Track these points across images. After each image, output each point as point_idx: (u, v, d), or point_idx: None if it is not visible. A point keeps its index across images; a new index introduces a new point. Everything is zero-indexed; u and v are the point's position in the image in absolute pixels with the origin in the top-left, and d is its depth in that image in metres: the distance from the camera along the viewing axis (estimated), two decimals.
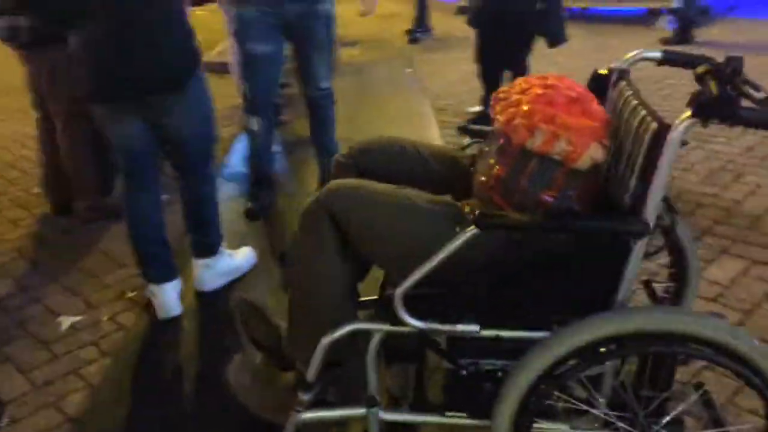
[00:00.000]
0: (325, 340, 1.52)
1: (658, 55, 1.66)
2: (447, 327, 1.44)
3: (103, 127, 2.32)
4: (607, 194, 1.47)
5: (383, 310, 1.50)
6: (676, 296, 1.77)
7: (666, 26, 6.91)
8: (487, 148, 1.54)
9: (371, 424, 1.56)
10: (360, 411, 1.57)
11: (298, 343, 1.62)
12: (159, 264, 2.49)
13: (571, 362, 1.35)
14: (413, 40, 7.28)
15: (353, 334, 1.53)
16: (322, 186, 3.42)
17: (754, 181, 3.37)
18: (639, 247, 1.34)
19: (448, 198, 1.55)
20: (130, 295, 2.71)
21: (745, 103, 1.23)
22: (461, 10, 8.71)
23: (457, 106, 4.81)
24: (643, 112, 1.40)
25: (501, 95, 1.53)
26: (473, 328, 1.43)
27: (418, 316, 1.44)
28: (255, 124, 3.08)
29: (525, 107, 1.43)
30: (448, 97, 5.08)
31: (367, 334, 1.54)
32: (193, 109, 2.31)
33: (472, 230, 1.34)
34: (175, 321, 2.51)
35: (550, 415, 1.44)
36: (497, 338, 1.43)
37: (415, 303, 1.44)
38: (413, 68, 6.10)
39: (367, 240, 1.50)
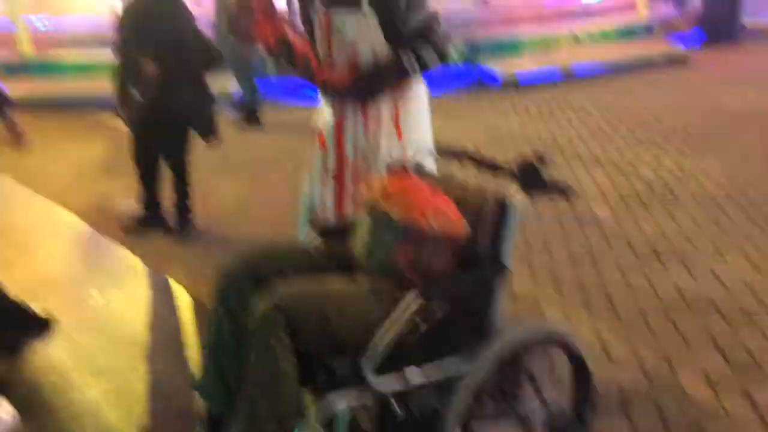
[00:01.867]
0: None
1: (432, 150, 2.35)
2: (401, 380, 1.84)
3: None
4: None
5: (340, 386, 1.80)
6: None
7: (230, 115, 7.69)
8: (370, 238, 1.97)
9: None
10: None
11: None
12: None
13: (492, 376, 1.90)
14: None
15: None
16: None
17: None
18: (503, 283, 1.99)
19: (362, 279, 1.94)
20: None
21: None
22: None
23: (99, 207, 4.71)
24: (475, 193, 2.06)
25: (375, 195, 1.99)
26: (416, 370, 1.86)
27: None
28: None
29: (412, 200, 1.94)
30: (77, 201, 4.88)
31: None
32: None
33: (416, 300, 1.79)
34: None
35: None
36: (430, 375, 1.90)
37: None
38: None
39: (321, 330, 1.78)
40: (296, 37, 2.66)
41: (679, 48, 9.48)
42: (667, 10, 10.97)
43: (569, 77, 8.70)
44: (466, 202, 2.06)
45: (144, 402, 2.55)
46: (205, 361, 2.02)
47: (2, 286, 2.96)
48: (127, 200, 4.65)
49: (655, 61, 9.19)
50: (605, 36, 9.67)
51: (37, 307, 3.14)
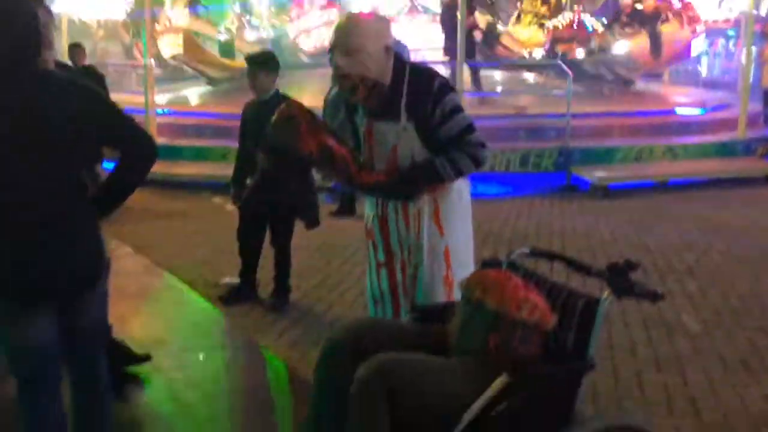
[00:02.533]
0: None
1: (527, 251, 2.54)
2: None
3: (8, 331, 2.22)
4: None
5: None
6: None
7: (325, 200, 8.18)
8: (464, 323, 2.16)
9: None
10: None
11: None
12: None
13: None
14: None
15: None
16: None
17: None
18: (586, 376, 2.12)
19: (454, 359, 2.12)
20: None
21: None
22: None
23: (205, 279, 5.11)
24: (566, 291, 2.23)
25: (475, 283, 2.19)
26: None
27: None
28: None
29: (505, 291, 2.12)
30: (185, 271, 5.31)
31: None
32: (100, 306, 2.38)
33: (505, 381, 1.95)
34: None
35: None
36: None
37: None
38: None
39: (415, 401, 1.96)
40: (336, 144, 2.71)
41: None
42: None
43: (663, 187, 8.74)
44: (556, 298, 2.23)
45: None
46: (307, 420, 2.21)
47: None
48: (230, 276, 5.03)
49: (755, 178, 9.10)
50: (703, 151, 9.69)
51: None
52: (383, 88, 2.68)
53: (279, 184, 4.29)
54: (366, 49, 2.60)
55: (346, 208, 7.55)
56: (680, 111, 11.68)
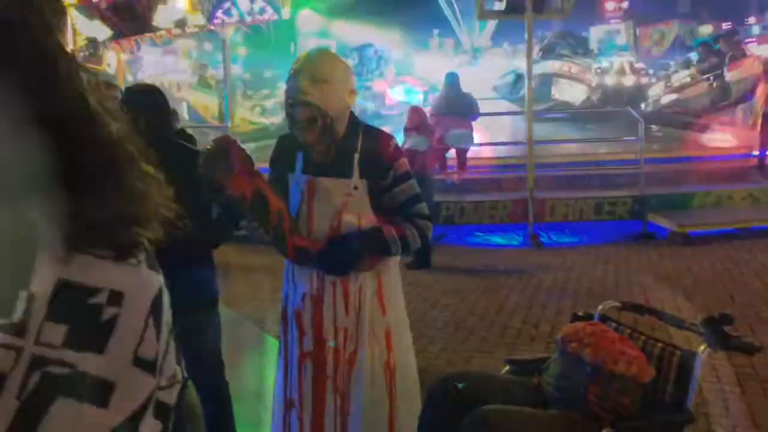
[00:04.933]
0: None
1: (618, 304, 2.63)
2: None
3: None
4: None
5: None
6: None
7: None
8: (561, 376, 2.26)
9: None
10: None
11: None
12: None
13: None
14: None
15: None
16: None
17: None
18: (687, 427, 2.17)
19: (554, 412, 2.21)
20: None
21: None
22: None
23: None
24: (660, 344, 2.31)
25: (571, 336, 2.29)
26: None
27: None
28: None
29: (601, 344, 2.21)
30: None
31: None
32: None
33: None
34: None
35: None
36: None
37: None
38: None
39: None
40: (271, 194, 2.40)
41: None
42: None
43: (745, 233, 8.54)
44: (651, 350, 2.30)
45: None
46: None
47: None
48: None
49: None
50: None
51: None
52: (336, 135, 2.43)
53: None
54: (335, 81, 2.38)
55: (424, 261, 7.65)
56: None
